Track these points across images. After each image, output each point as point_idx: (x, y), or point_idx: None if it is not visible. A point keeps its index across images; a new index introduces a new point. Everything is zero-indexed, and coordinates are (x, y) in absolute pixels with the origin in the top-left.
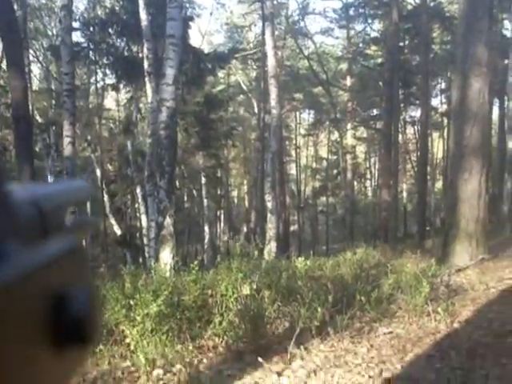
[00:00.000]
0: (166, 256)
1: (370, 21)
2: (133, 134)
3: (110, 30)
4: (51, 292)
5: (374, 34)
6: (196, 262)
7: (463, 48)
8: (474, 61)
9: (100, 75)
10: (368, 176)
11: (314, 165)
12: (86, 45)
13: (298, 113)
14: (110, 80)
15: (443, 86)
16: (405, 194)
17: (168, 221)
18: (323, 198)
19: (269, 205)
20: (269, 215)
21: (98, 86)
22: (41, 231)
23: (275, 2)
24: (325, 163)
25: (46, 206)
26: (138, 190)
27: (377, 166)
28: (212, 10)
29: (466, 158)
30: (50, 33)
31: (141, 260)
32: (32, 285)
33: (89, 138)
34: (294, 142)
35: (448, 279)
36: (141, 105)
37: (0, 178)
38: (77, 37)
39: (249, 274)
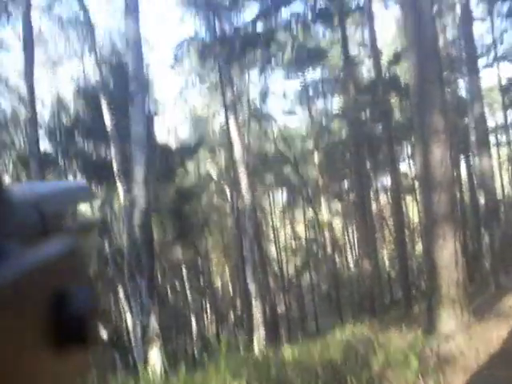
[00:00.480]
0: (154, 356)
1: (329, 97)
2: (109, 235)
3: (75, 136)
4: (50, 291)
5: (334, 110)
6: (183, 364)
7: (419, 117)
8: (431, 129)
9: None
10: (348, 247)
11: (293, 243)
12: (54, 153)
13: (271, 194)
14: None
15: (409, 150)
16: (387, 261)
17: (153, 321)
18: (307, 276)
19: (252, 289)
20: (253, 301)
21: None
22: (40, 232)
23: (235, 90)
24: (304, 241)
25: (45, 207)
26: (120, 291)
27: (355, 237)
28: (175, 105)
29: (438, 224)
30: (17, 144)
31: (131, 361)
32: (31, 284)
33: None
34: (270, 223)
35: (437, 349)
36: (115, 206)
37: (0, 181)
38: (44, 145)
39: (237, 372)
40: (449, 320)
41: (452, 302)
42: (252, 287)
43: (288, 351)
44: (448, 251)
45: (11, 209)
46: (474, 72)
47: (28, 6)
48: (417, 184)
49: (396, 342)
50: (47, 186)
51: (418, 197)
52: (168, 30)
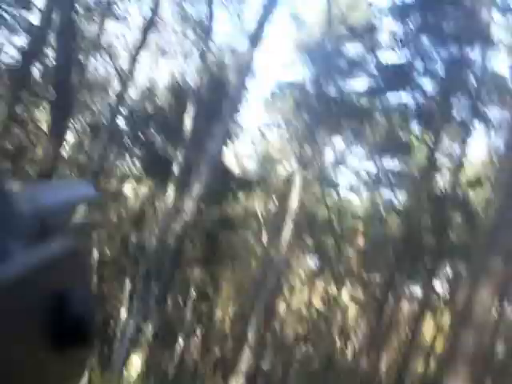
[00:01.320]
0: (136, 361)
1: (397, 191)
2: (140, 227)
3: (151, 125)
4: (51, 292)
5: (397, 204)
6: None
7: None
8: (487, 270)
9: (128, 161)
10: (353, 334)
11: (304, 312)
12: (124, 134)
13: (302, 256)
14: (135, 170)
15: (450, 273)
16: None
17: (149, 327)
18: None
19: (249, 338)
20: (246, 350)
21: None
22: (41, 232)
23: (315, 147)
24: (315, 314)
25: (47, 208)
26: (128, 283)
27: (365, 332)
28: (252, 137)
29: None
30: (95, 109)
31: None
32: (32, 285)
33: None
34: (290, 283)
35: None
36: (157, 203)
37: (1, 180)
38: (119, 121)
39: None
40: None
41: None
42: (250, 337)
43: None
44: None
45: (12, 208)
46: None
47: None
48: (442, 302)
49: None
50: (50, 186)
51: (437, 320)
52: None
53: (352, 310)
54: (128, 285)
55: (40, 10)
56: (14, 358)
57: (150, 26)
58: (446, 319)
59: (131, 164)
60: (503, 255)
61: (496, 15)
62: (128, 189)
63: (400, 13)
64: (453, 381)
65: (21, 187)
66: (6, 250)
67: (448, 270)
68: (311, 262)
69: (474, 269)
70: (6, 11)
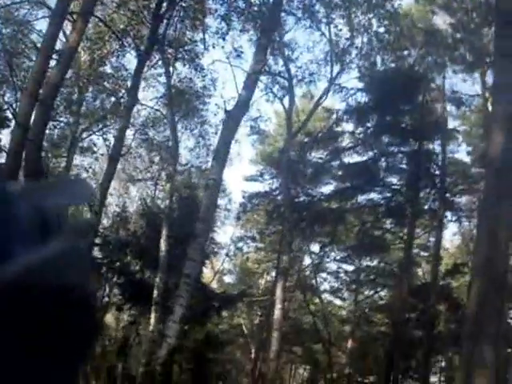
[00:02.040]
0: None
1: (379, 289)
2: (125, 357)
3: (127, 251)
4: (50, 292)
5: (381, 302)
6: None
7: (467, 347)
8: (477, 362)
9: (107, 291)
10: None
11: None
12: (100, 261)
13: (294, 366)
14: (116, 298)
15: (443, 364)
16: None
17: None
18: None
19: None
20: None
21: (103, 301)
22: (42, 232)
23: (291, 255)
24: None
25: (46, 207)
26: None
27: None
28: (228, 252)
29: None
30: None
31: None
32: (31, 284)
33: None
34: None
35: None
36: (141, 330)
37: (1, 181)
38: (95, 252)
39: None
40: None
41: None
42: None
43: None
44: None
45: (10, 208)
46: None
47: (126, 123)
48: None
49: None
50: (47, 185)
51: None
52: (243, 180)
53: None
54: None
55: (5, 151)
56: (14, 357)
57: (116, 155)
58: None
59: (110, 292)
60: (491, 342)
61: (449, 107)
62: (110, 318)
63: (357, 115)
64: None
65: (19, 187)
66: (6, 250)
67: (442, 362)
68: (302, 370)
69: (466, 359)
70: None
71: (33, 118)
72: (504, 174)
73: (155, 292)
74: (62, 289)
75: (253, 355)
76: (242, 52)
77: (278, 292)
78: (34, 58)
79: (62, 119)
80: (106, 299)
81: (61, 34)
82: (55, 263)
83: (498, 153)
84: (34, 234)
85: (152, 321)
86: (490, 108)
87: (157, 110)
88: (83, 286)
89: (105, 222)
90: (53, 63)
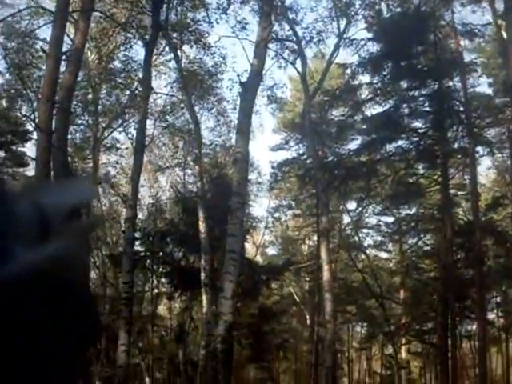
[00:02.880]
0: None
1: (422, 235)
2: (185, 343)
3: (168, 240)
4: (51, 291)
5: (426, 248)
6: None
7: None
8: None
9: (155, 283)
10: None
11: (367, 380)
12: (144, 254)
13: (350, 325)
14: (165, 288)
15: (499, 299)
16: None
17: None
18: None
19: None
20: None
21: (153, 293)
22: (43, 231)
23: (330, 216)
24: (378, 378)
25: (47, 207)
26: None
27: (433, 383)
28: (267, 223)
29: None
30: (109, 240)
31: None
32: (32, 284)
33: (140, 345)
34: (346, 355)
35: None
36: (194, 314)
37: (2, 181)
38: (136, 246)
39: None
40: None
41: None
42: None
43: None
44: None
45: (12, 208)
46: None
47: (145, 114)
48: (504, 335)
49: None
50: (49, 186)
51: (504, 349)
52: (268, 151)
53: (415, 364)
54: None
55: (35, 159)
56: (13, 357)
57: (140, 147)
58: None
59: (158, 283)
60: None
61: (462, 41)
62: (162, 309)
63: (372, 65)
64: None
65: (21, 188)
66: (7, 250)
67: (497, 298)
68: (359, 328)
69: None
70: (1, 171)
71: (54, 124)
72: None
73: (202, 274)
74: (62, 287)
75: (308, 321)
76: (246, 23)
77: (323, 254)
78: (43, 67)
79: (81, 121)
80: (156, 291)
81: (66, 39)
82: (55, 262)
83: None
84: (34, 233)
85: (204, 303)
86: (504, 35)
87: (172, 95)
88: (82, 284)
89: (140, 215)
90: (63, 69)
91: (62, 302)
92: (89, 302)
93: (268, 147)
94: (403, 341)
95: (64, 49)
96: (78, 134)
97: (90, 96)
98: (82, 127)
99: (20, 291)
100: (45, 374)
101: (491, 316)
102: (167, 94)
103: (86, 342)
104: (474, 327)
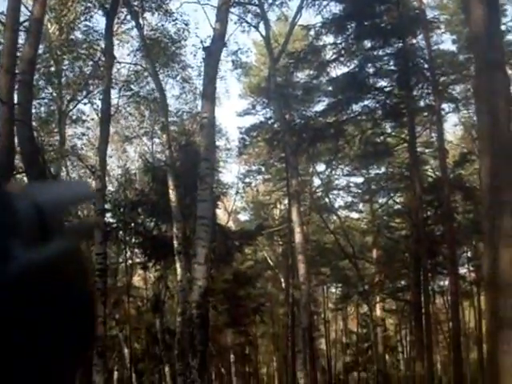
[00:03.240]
0: None
1: (392, 194)
2: (161, 312)
3: (139, 211)
4: (50, 292)
5: (397, 207)
6: None
7: (489, 221)
8: (502, 232)
9: (128, 254)
10: (400, 349)
11: (344, 339)
12: (116, 225)
13: (325, 287)
14: (139, 259)
15: (469, 254)
16: (439, 366)
17: None
18: (355, 373)
19: (301, 382)
20: None
21: (127, 264)
22: (41, 232)
23: (299, 180)
24: (355, 337)
25: (46, 207)
26: (167, 369)
27: (408, 338)
28: (238, 189)
29: (504, 329)
30: (80, 214)
31: None
32: (31, 285)
33: (117, 316)
34: (322, 316)
35: None
36: (169, 283)
37: (1, 180)
38: (107, 217)
39: None
40: None
41: None
42: (301, 379)
43: None
44: None
45: (11, 208)
46: None
47: (109, 84)
48: (475, 289)
49: None
50: (47, 187)
51: (476, 302)
52: (236, 117)
53: (390, 321)
54: (167, 371)
55: None
56: (13, 357)
57: (106, 117)
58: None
59: (132, 254)
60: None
61: None
62: (137, 279)
63: (335, 25)
64: (501, 346)
65: (19, 188)
66: (6, 250)
67: (468, 253)
68: (334, 289)
69: (489, 235)
70: None
71: (16, 98)
72: (491, 45)
73: (175, 242)
74: (61, 289)
75: (283, 284)
76: None
77: (295, 216)
78: (1, 40)
79: (45, 95)
80: (130, 262)
81: (26, 10)
82: (54, 264)
83: (481, 27)
84: (33, 235)
85: (178, 271)
86: None
87: (136, 64)
88: (82, 286)
89: (110, 187)
90: (23, 42)
91: (62, 302)
92: (89, 302)
93: (235, 113)
94: (378, 299)
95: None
96: (42, 108)
97: (52, 68)
98: (46, 101)
99: (20, 291)
100: (44, 375)
101: (463, 271)
102: (130, 63)
103: (85, 343)
104: (447, 283)
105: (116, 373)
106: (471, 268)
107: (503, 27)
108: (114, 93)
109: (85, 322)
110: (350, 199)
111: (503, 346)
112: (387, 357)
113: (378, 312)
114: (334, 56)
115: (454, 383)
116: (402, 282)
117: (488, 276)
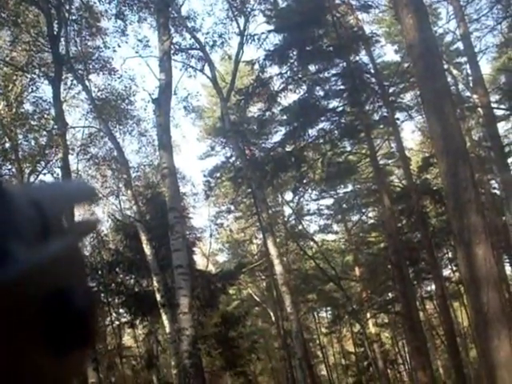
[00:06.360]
0: None
1: (364, 210)
2: (156, 368)
3: (117, 270)
4: (51, 292)
5: (371, 221)
6: None
7: (457, 220)
8: (471, 230)
9: (114, 315)
10: (400, 361)
11: (343, 361)
12: (96, 289)
13: (315, 313)
14: (125, 318)
15: (450, 255)
16: (441, 371)
17: None
18: None
19: None
20: None
21: (114, 325)
22: (41, 232)
23: (270, 212)
24: (353, 357)
25: (46, 207)
26: None
27: (406, 349)
28: (211, 232)
29: (490, 324)
30: None
31: None
32: (33, 285)
33: (113, 379)
34: (317, 342)
35: None
36: (159, 337)
37: (1, 180)
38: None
39: None
40: None
41: None
42: None
43: None
44: (505, 352)
45: (11, 208)
46: (504, 169)
47: (66, 151)
48: (462, 288)
49: None
50: (48, 186)
51: (465, 301)
52: (197, 161)
53: (385, 335)
54: None
55: None
56: (11, 357)
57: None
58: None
59: (117, 314)
60: (476, 209)
61: (361, 16)
62: (127, 339)
63: (278, 56)
64: (491, 342)
65: (20, 188)
66: (5, 250)
67: (448, 254)
68: (325, 313)
69: (459, 234)
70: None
71: None
72: (427, 51)
73: (158, 296)
74: (61, 289)
75: (273, 318)
76: (147, 41)
77: (271, 249)
78: None
79: (4, 172)
80: (116, 323)
81: None
82: (54, 264)
83: (413, 35)
84: (33, 235)
85: (166, 323)
86: None
87: (89, 126)
88: (81, 286)
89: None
90: None
91: (62, 302)
92: (90, 303)
93: (196, 157)
94: (368, 315)
95: None
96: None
97: (7, 145)
98: (7, 177)
99: (20, 292)
100: (44, 375)
101: (447, 272)
102: (84, 126)
103: (85, 344)
104: (434, 287)
105: None
106: (454, 268)
107: (441, 30)
108: (72, 158)
109: (86, 321)
110: (323, 222)
111: (493, 341)
112: (389, 371)
113: (372, 328)
114: (282, 85)
115: None
116: (390, 295)
117: (466, 274)
